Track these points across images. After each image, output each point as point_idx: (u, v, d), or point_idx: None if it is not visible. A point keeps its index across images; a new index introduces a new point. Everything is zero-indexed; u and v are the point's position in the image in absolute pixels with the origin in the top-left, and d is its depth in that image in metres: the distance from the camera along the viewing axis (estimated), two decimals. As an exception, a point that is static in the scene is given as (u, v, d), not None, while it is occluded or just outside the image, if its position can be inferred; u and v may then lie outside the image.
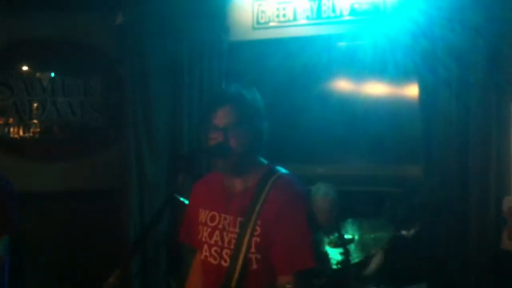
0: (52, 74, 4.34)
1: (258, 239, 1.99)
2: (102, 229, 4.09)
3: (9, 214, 3.01)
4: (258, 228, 1.99)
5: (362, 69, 3.93)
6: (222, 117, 2.05)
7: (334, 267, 3.14)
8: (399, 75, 3.81)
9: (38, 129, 4.34)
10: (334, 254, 3.18)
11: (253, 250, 1.99)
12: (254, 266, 1.99)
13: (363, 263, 3.30)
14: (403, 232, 3.36)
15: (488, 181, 3.30)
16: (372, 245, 3.19)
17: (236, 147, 2.02)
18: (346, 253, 3.10)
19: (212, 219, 2.11)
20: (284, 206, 2.01)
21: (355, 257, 3.17)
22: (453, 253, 3.34)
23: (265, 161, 2.14)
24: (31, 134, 4.32)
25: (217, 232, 2.08)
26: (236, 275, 1.99)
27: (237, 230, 2.02)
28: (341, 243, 3.14)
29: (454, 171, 3.39)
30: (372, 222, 3.29)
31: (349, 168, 3.97)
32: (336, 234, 3.16)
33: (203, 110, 2.14)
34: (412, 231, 3.37)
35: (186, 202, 3.06)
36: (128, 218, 3.98)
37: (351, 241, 3.20)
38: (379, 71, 3.86)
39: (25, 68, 4.34)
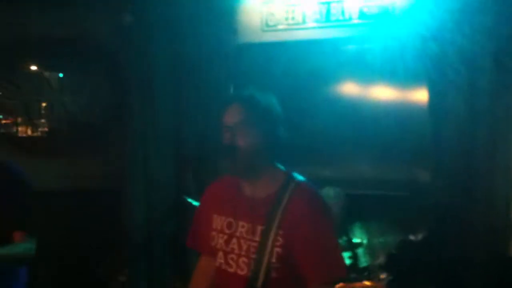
0: (60, 74, 4.34)
1: (279, 249, 1.97)
2: (109, 228, 4.08)
3: (27, 210, 2.84)
4: (279, 238, 1.97)
5: (371, 73, 3.92)
6: (231, 116, 2.03)
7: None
8: (408, 79, 3.79)
9: (46, 128, 4.34)
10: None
11: (273, 259, 1.97)
12: (274, 275, 1.97)
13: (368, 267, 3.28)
14: (411, 237, 3.35)
15: (497, 185, 3.29)
16: (380, 248, 3.18)
17: (245, 148, 2.00)
18: (354, 257, 3.08)
19: (229, 226, 2.08)
20: (308, 215, 1.98)
21: (363, 262, 3.15)
22: (461, 257, 3.32)
23: (282, 167, 2.11)
24: (39, 133, 4.33)
25: (234, 240, 2.05)
26: (259, 284, 1.96)
27: (256, 238, 2.00)
28: (349, 247, 3.12)
29: (463, 175, 3.37)
30: (380, 225, 3.27)
31: (356, 171, 3.96)
32: (345, 238, 3.14)
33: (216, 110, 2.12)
34: (420, 235, 3.36)
35: (194, 203, 3.07)
36: (132, 217, 3.98)
37: (359, 245, 3.19)
38: (388, 74, 3.85)
39: (33, 67, 4.34)
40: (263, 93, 2.09)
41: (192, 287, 2.31)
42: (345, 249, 3.13)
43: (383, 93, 4.01)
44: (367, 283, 1.61)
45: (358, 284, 1.59)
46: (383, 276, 2.73)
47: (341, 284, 1.57)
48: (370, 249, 3.18)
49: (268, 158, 2.07)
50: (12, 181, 2.73)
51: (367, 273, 2.96)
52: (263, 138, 2.02)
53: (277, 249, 1.97)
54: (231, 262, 2.05)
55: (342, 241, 3.17)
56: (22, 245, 2.68)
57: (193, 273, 2.32)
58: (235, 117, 2.02)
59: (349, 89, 4.13)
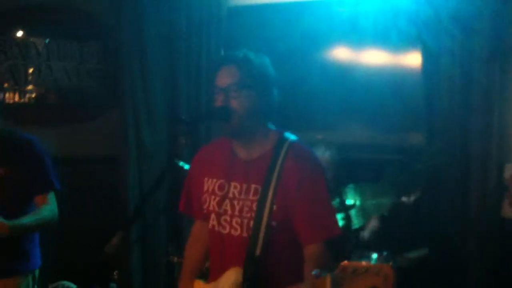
0: (47, 39, 4.25)
1: (275, 208, 1.97)
2: (99, 196, 4.06)
3: (51, 174, 2.91)
4: (276, 197, 1.97)
5: (363, 36, 3.88)
6: (224, 78, 2.02)
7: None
8: (402, 42, 3.76)
9: (33, 95, 4.27)
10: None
11: (272, 219, 1.96)
12: (273, 236, 1.97)
13: (360, 229, 3.29)
14: (404, 199, 3.36)
15: (490, 148, 3.29)
16: (373, 211, 3.18)
17: (238, 110, 1.98)
18: (347, 219, 3.09)
19: (221, 187, 2.07)
20: (303, 173, 1.98)
21: (356, 223, 3.16)
22: (453, 220, 3.35)
23: (273, 127, 2.10)
24: (26, 100, 4.25)
25: (226, 201, 2.05)
26: (259, 245, 1.95)
27: (251, 197, 1.99)
28: (342, 208, 3.13)
29: (456, 138, 3.37)
30: (374, 187, 3.28)
31: (350, 135, 3.95)
32: (338, 200, 3.14)
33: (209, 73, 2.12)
34: (412, 198, 3.37)
35: (186, 167, 3.04)
36: (126, 185, 3.96)
37: (352, 206, 3.19)
38: (381, 38, 3.81)
39: (19, 33, 4.25)
40: (256, 54, 2.07)
41: (186, 253, 2.32)
42: (338, 211, 3.13)
43: (376, 56, 3.98)
44: (372, 263, 1.61)
45: (363, 263, 1.59)
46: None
47: (345, 263, 1.57)
48: (363, 211, 3.18)
49: (262, 119, 2.06)
50: (29, 147, 2.78)
51: (371, 253, 2.98)
52: (257, 99, 2.01)
53: (275, 208, 1.96)
54: (224, 223, 2.05)
55: (335, 202, 3.17)
56: (48, 208, 2.72)
57: (187, 239, 2.32)
58: (228, 78, 2.00)
59: (341, 52, 4.09)
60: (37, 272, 2.93)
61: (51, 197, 2.84)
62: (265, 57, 2.09)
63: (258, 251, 1.95)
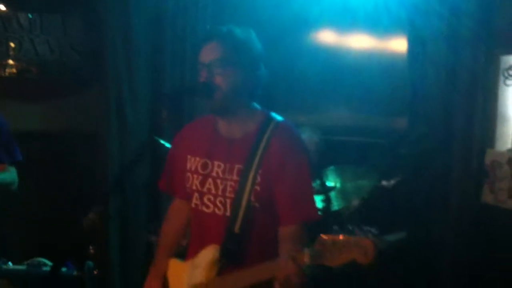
0: (30, 13, 4.17)
1: (258, 188, 1.94)
2: (80, 171, 4.02)
3: (11, 144, 3.03)
4: (258, 177, 1.94)
5: (350, 17, 3.84)
6: (207, 53, 1.97)
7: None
8: (388, 24, 3.73)
9: (14, 69, 4.19)
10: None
11: (253, 198, 1.95)
12: (253, 215, 1.95)
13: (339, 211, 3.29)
14: (384, 182, 3.35)
15: (472, 133, 3.30)
16: (353, 193, 3.18)
17: (221, 86, 1.94)
18: (327, 201, 3.08)
19: (204, 166, 2.04)
20: (288, 155, 1.96)
21: (336, 205, 3.15)
22: (433, 204, 3.35)
23: (259, 107, 2.07)
24: (7, 74, 4.18)
25: (210, 180, 2.02)
26: (238, 224, 1.94)
27: (235, 178, 1.97)
28: (322, 190, 3.12)
29: (439, 123, 3.37)
30: (355, 170, 3.27)
31: (333, 118, 3.94)
32: (318, 181, 3.13)
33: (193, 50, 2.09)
34: (392, 182, 3.36)
35: (167, 145, 3.00)
36: (107, 161, 3.91)
37: (332, 188, 3.18)
38: (367, 19, 3.78)
39: (2, 6, 4.16)
40: (242, 29, 2.03)
41: (163, 230, 2.30)
42: (318, 192, 3.12)
43: (361, 39, 3.96)
44: (351, 237, 1.59)
45: (341, 237, 1.58)
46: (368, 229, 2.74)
47: (323, 236, 1.56)
48: (343, 193, 3.18)
49: (246, 97, 2.02)
50: None
51: (352, 227, 2.96)
52: (241, 76, 1.97)
53: (256, 188, 1.95)
54: (207, 202, 2.03)
55: (315, 184, 3.16)
56: (7, 174, 2.94)
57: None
58: (212, 54, 1.96)
59: (327, 34, 4.05)
60: None
61: (12, 168, 2.98)
62: (251, 32, 2.04)
63: (236, 229, 1.94)
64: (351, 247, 1.57)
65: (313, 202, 2.03)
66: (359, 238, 1.55)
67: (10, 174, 2.98)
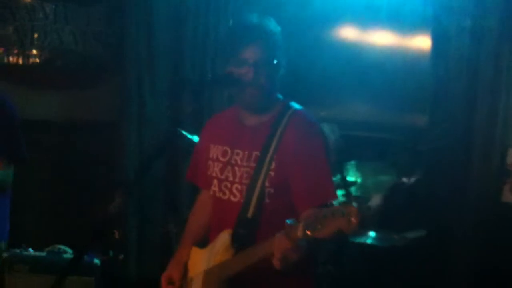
0: (55, 3, 4.21)
1: (272, 173, 1.97)
2: (101, 161, 4.05)
3: (16, 141, 2.81)
4: (273, 163, 1.96)
5: (372, 14, 3.83)
6: (252, 52, 1.99)
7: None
8: (411, 21, 3.71)
9: (38, 58, 4.24)
10: (336, 196, 3.16)
11: (267, 184, 1.96)
12: (267, 201, 1.97)
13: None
14: (404, 179, 3.34)
15: (494, 132, 3.28)
16: (374, 189, 3.17)
17: (264, 85, 1.98)
18: (348, 196, 3.07)
19: (224, 154, 2.07)
20: (302, 139, 1.98)
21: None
22: (453, 203, 3.33)
23: (281, 97, 2.10)
24: (31, 62, 4.22)
25: (228, 167, 2.05)
26: (252, 209, 1.96)
27: (252, 164, 1.99)
28: (343, 185, 3.11)
29: (461, 120, 3.35)
30: (375, 166, 3.26)
31: (354, 113, 3.92)
32: (339, 176, 3.12)
33: (226, 41, 2.10)
34: (413, 179, 3.35)
35: (189, 136, 3.02)
36: (126, 152, 3.95)
37: (353, 183, 3.18)
38: (390, 15, 3.76)
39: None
40: (273, 22, 2.04)
41: (189, 221, 2.32)
42: (339, 187, 3.11)
43: (383, 35, 3.93)
44: (336, 206, 1.60)
45: (328, 208, 1.60)
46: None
47: (310, 210, 1.58)
48: (364, 189, 3.17)
49: (276, 90, 2.07)
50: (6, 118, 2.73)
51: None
52: (279, 72, 2.03)
53: (271, 173, 1.96)
54: (224, 189, 2.05)
55: (336, 178, 3.16)
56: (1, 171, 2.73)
57: (185, 210, 2.31)
58: (258, 54, 1.98)
59: (348, 30, 4.04)
60: (2, 244, 2.93)
61: (10, 168, 2.79)
62: (274, 22, 2.07)
63: (250, 214, 1.96)
64: (338, 216, 1.57)
65: (330, 183, 2.01)
66: (344, 206, 1.56)
67: (5, 172, 2.75)
